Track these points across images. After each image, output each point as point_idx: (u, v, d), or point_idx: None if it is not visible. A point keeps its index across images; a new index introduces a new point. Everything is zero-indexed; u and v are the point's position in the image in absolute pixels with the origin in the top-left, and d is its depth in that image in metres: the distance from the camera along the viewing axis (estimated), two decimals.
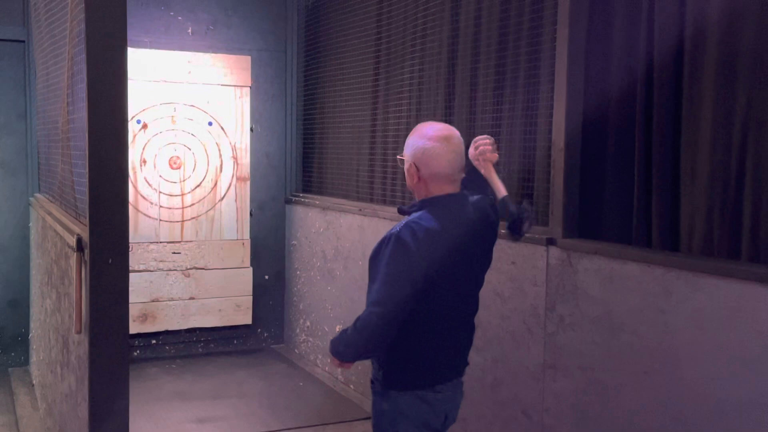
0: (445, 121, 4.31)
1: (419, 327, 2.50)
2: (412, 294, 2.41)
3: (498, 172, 2.81)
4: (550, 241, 3.37)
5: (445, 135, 2.54)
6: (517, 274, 3.58)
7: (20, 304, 5.53)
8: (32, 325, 5.32)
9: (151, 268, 5.81)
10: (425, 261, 2.41)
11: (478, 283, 2.70)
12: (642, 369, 2.91)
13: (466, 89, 4.15)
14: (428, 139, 2.53)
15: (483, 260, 2.70)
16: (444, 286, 2.51)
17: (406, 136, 4.61)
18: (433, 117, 4.43)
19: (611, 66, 3.26)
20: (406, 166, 2.59)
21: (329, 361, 2.70)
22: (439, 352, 2.56)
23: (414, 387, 2.54)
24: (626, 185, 3.18)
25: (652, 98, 3.06)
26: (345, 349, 2.53)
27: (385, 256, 2.41)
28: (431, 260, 2.42)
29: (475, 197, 2.65)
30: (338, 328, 5.40)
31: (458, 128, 4.19)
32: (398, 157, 2.70)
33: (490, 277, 3.75)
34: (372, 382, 2.64)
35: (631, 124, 3.15)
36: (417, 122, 4.57)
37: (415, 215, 2.50)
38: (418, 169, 2.53)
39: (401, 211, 2.62)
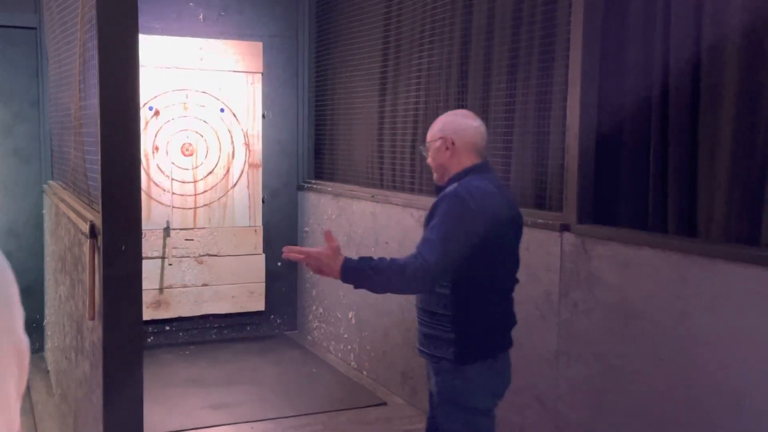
0: (457, 105, 4.29)
1: (486, 297, 2.60)
2: (467, 251, 2.48)
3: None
4: (565, 227, 3.34)
5: (472, 114, 2.80)
6: (530, 260, 3.56)
7: (35, 291, 5.56)
8: (47, 311, 5.34)
9: (165, 255, 5.82)
10: (482, 217, 2.51)
11: (517, 253, 2.76)
12: (657, 356, 2.89)
13: (479, 74, 4.12)
14: (458, 115, 2.79)
15: (518, 237, 2.75)
16: (500, 250, 2.61)
17: (416, 121, 4.63)
18: (445, 103, 4.41)
19: (628, 48, 3.22)
20: (436, 145, 2.71)
21: (320, 271, 2.62)
22: (502, 320, 2.70)
23: (485, 357, 2.62)
24: (642, 169, 3.15)
25: (670, 79, 3.01)
26: (374, 277, 2.50)
27: (441, 213, 2.51)
28: (487, 217, 2.52)
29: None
30: (351, 315, 5.40)
31: (472, 112, 4.17)
32: (421, 146, 2.84)
33: None
34: (436, 361, 2.64)
35: (647, 107, 3.11)
36: (428, 108, 4.57)
37: (463, 180, 2.60)
38: (453, 142, 2.67)
39: (439, 189, 2.71)
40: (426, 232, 2.55)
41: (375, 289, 2.58)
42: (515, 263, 2.73)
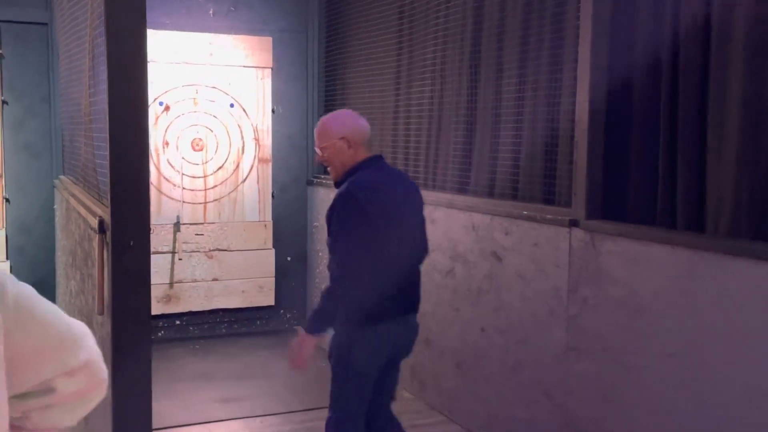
0: (468, 101, 4.29)
1: (375, 269, 2.88)
2: (366, 241, 2.82)
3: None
4: (573, 223, 3.33)
5: (357, 113, 3.13)
6: (539, 255, 3.55)
7: (46, 286, 5.59)
8: (58, 306, 5.37)
9: (175, 250, 5.84)
10: (371, 204, 2.84)
11: (420, 233, 3.15)
12: (666, 351, 2.88)
13: (491, 68, 4.11)
14: (348, 117, 3.08)
15: (417, 216, 3.13)
16: (389, 233, 2.90)
17: (430, 114, 4.63)
18: (457, 96, 4.40)
19: (636, 43, 3.20)
20: (338, 145, 3.00)
21: (297, 346, 3.01)
22: (394, 289, 2.97)
23: (370, 322, 2.94)
24: (651, 165, 3.13)
25: (678, 77, 3.00)
26: (325, 311, 2.90)
27: (338, 214, 2.86)
28: (375, 206, 2.86)
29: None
30: None
31: (482, 107, 4.19)
32: (318, 147, 3.07)
33: (512, 258, 3.73)
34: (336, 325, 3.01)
35: (657, 103, 3.10)
36: (441, 101, 4.56)
37: (351, 179, 2.94)
38: (349, 140, 2.99)
39: (338, 184, 3.03)
40: (330, 235, 2.89)
41: (329, 314, 2.91)
42: (415, 238, 3.09)
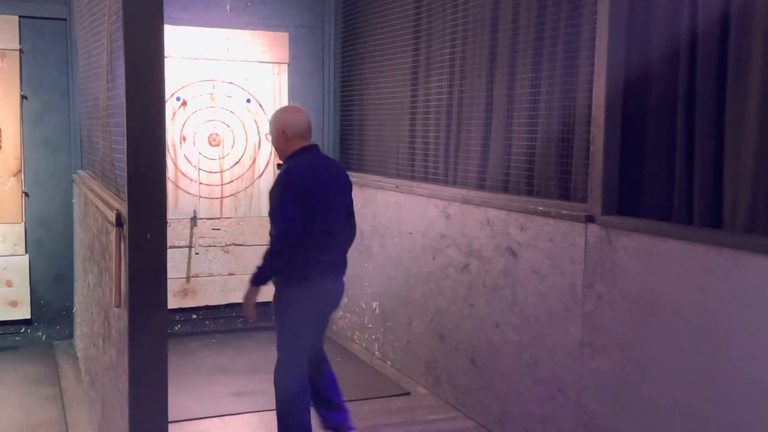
0: (486, 96, 4.29)
1: (305, 238, 3.50)
2: (299, 213, 3.46)
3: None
4: (589, 219, 3.32)
5: (294, 108, 3.81)
6: (554, 251, 3.54)
7: (65, 279, 5.64)
8: (76, 299, 5.42)
9: (191, 244, 5.87)
10: (304, 185, 3.50)
11: (347, 210, 3.76)
12: (681, 348, 2.87)
13: (507, 63, 4.10)
14: (284, 112, 3.76)
15: (347, 196, 3.77)
16: (320, 210, 3.53)
17: (447, 111, 4.63)
18: (474, 92, 4.39)
19: (653, 38, 3.18)
20: (275, 135, 3.68)
21: (244, 302, 3.70)
22: (321, 259, 3.58)
23: (303, 280, 3.57)
24: (667, 161, 3.12)
25: (696, 71, 2.98)
26: (263, 269, 3.54)
27: (278, 193, 3.49)
28: (307, 186, 3.51)
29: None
30: (375, 305, 5.42)
31: (498, 103, 4.19)
32: (266, 135, 3.80)
33: (528, 254, 3.72)
34: (276, 282, 3.63)
35: (674, 98, 3.08)
36: (459, 98, 4.57)
37: (289, 163, 3.61)
38: (284, 132, 3.63)
39: (280, 166, 3.67)
40: (271, 207, 3.54)
41: (269, 271, 3.55)
42: (340, 211, 3.68)
